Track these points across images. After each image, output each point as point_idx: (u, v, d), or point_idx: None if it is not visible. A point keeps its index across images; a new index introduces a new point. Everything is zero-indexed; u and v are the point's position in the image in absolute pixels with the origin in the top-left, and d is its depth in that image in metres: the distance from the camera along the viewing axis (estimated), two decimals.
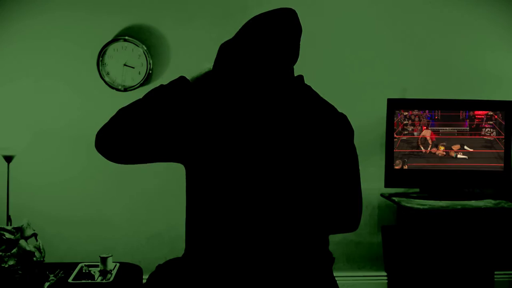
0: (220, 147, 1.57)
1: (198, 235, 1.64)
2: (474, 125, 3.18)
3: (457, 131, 3.17)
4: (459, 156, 3.16)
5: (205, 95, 1.66)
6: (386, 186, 3.16)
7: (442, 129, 3.18)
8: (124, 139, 1.58)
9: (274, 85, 1.64)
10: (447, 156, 3.18)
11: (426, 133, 3.17)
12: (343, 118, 1.69)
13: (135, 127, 1.58)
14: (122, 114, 1.62)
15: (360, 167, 1.68)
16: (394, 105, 3.14)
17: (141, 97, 1.67)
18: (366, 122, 3.28)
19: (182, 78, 1.70)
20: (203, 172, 1.59)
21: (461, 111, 3.17)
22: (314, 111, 1.64)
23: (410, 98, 3.24)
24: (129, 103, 1.66)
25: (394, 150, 3.14)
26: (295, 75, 1.73)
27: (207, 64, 1.76)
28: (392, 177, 3.15)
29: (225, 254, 1.59)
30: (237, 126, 1.58)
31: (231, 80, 1.65)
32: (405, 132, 3.15)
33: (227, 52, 1.68)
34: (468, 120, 3.17)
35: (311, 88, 1.72)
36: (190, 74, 1.73)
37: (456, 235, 3.01)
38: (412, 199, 3.08)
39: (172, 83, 1.69)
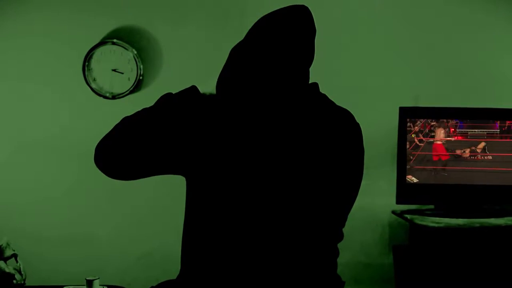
0: (230, 159, 1.55)
1: (198, 254, 1.59)
2: (506, 127, 3.10)
3: (487, 133, 3.12)
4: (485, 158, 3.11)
5: (217, 105, 1.63)
6: (398, 202, 3.10)
7: (471, 131, 3.12)
8: (131, 152, 1.54)
9: (289, 95, 1.62)
10: (472, 159, 3.10)
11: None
12: (357, 129, 1.70)
13: (143, 139, 1.54)
14: (129, 124, 1.57)
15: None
16: (407, 114, 3.10)
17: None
18: (376, 132, 3.15)
19: (194, 88, 1.66)
20: (210, 185, 1.56)
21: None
22: (328, 123, 1.63)
23: (424, 107, 3.18)
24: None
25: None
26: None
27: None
28: (404, 192, 3.09)
29: (228, 275, 1.56)
30: (250, 137, 1.56)
31: (244, 88, 1.63)
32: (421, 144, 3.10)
33: (240, 57, 1.64)
34: (498, 122, 3.11)
35: (327, 96, 1.69)
36: (202, 88, 1.69)
37: (474, 255, 2.94)
38: (426, 217, 3.02)
39: (183, 92, 1.66)
